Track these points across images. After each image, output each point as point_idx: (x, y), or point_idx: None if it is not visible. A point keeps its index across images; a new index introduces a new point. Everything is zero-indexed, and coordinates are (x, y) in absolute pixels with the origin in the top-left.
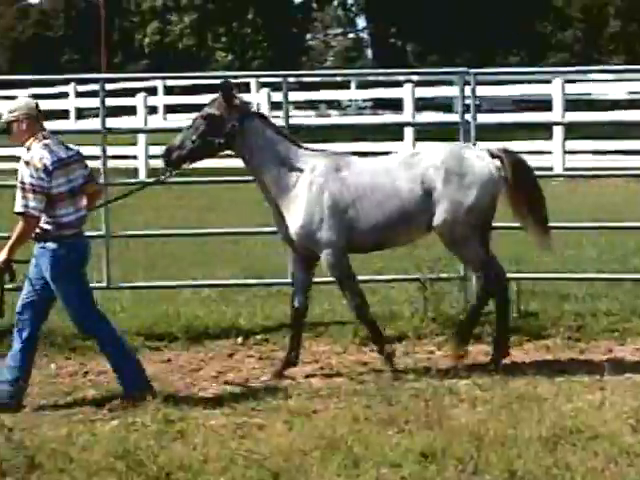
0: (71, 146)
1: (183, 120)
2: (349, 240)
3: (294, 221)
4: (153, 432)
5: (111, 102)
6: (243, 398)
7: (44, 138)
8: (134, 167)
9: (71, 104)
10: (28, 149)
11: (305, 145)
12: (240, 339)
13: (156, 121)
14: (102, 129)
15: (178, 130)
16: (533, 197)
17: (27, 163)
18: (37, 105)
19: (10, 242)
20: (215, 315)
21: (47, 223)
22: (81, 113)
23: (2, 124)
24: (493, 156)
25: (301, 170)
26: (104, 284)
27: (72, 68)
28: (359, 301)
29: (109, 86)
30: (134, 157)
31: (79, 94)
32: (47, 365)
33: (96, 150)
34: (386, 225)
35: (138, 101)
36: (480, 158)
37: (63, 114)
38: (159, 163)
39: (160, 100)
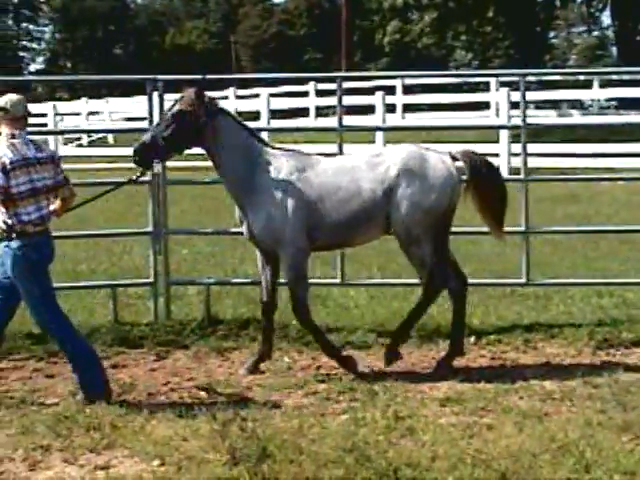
0: (47, 149)
1: (421, 119)
2: (312, 239)
3: (257, 220)
4: (382, 428)
5: (350, 100)
6: (473, 398)
7: (13, 137)
8: None
9: (311, 102)
10: None
11: (274, 145)
12: (473, 339)
13: (394, 120)
14: (339, 127)
15: (415, 129)
16: (494, 197)
17: None
18: (22, 105)
19: None
20: (448, 314)
21: (9, 220)
22: (321, 111)
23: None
24: (454, 159)
25: (267, 169)
26: (338, 280)
27: (313, 67)
28: (304, 305)
29: (348, 84)
30: None
31: (319, 92)
32: (280, 358)
33: (334, 148)
34: (348, 224)
35: (377, 99)
36: (441, 161)
37: (303, 112)
38: None
39: (399, 99)
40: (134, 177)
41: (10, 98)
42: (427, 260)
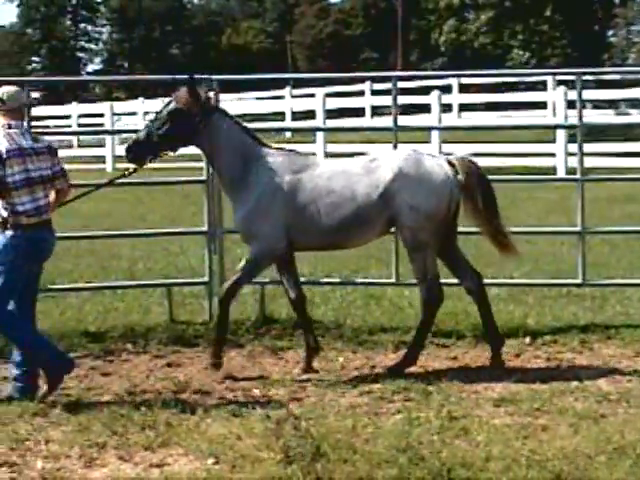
0: (43, 139)
1: (477, 119)
2: (302, 240)
3: (240, 213)
4: (436, 428)
5: (406, 100)
6: (528, 398)
7: (9, 127)
8: None
9: (367, 102)
10: None
11: (269, 144)
12: (528, 339)
13: (450, 119)
14: (394, 127)
15: (471, 128)
16: (489, 204)
17: None
18: (19, 96)
19: None
20: (503, 314)
21: (5, 210)
22: (377, 111)
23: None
24: (450, 164)
25: (261, 169)
26: (392, 280)
27: (369, 66)
28: (234, 293)
29: (404, 84)
30: None
31: (375, 92)
32: (334, 358)
33: (389, 148)
34: (341, 227)
35: (432, 99)
36: (437, 164)
37: (359, 112)
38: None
39: (455, 98)
40: (126, 173)
41: (7, 90)
42: (428, 269)
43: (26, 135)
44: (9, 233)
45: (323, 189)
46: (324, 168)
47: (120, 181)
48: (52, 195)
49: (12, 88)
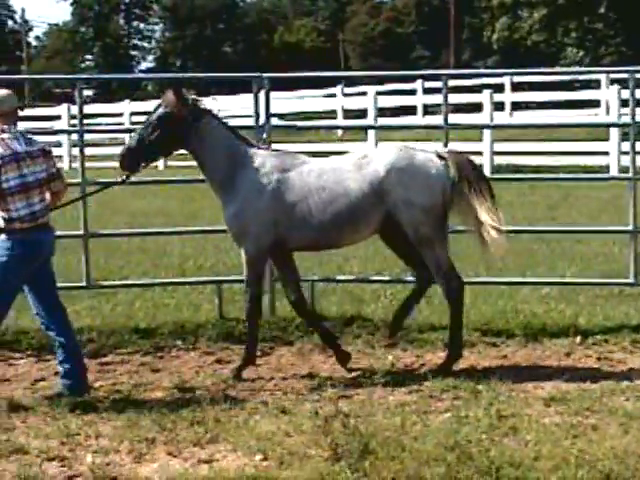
0: (37, 142)
1: (530, 118)
2: (293, 239)
3: (228, 214)
4: (485, 426)
5: (458, 98)
6: (578, 398)
7: (2, 132)
8: (479, 163)
9: (419, 100)
10: None
11: (258, 144)
12: (578, 338)
13: (503, 118)
14: (444, 125)
15: (523, 127)
16: (484, 196)
17: None
18: (10, 100)
19: None
20: (554, 313)
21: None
22: (430, 109)
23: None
24: (440, 157)
25: (248, 169)
26: None
27: (422, 65)
28: (254, 306)
29: (456, 82)
30: (479, 153)
31: (427, 90)
32: (384, 356)
33: (439, 146)
34: (333, 225)
35: (484, 97)
36: (429, 159)
37: (411, 110)
38: (504, 160)
39: (507, 97)
40: (120, 179)
41: (4, 94)
42: (442, 263)
43: (20, 139)
44: (3, 237)
45: (313, 187)
46: (314, 166)
47: (171, 178)
48: (48, 197)
49: (3, 92)
